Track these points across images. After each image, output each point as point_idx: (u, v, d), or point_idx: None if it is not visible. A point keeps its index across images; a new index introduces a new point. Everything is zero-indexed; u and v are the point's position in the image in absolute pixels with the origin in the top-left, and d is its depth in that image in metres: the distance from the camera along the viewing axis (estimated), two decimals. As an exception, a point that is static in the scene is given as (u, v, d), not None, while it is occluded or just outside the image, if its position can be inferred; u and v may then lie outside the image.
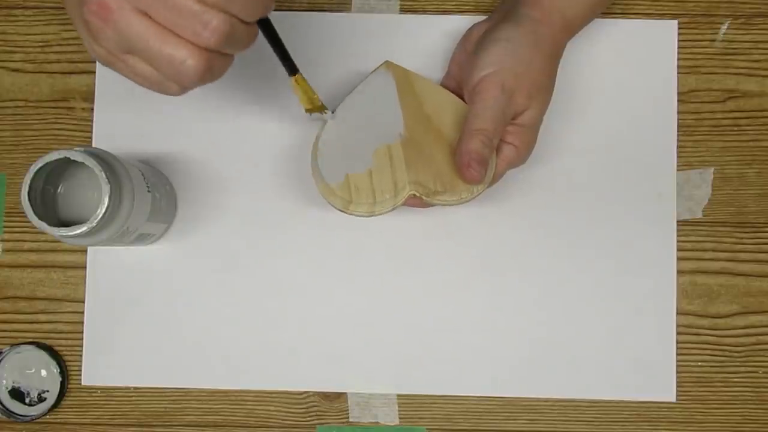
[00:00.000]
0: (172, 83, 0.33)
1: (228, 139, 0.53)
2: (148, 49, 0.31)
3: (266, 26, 0.38)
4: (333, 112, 0.47)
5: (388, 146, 0.45)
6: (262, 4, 0.32)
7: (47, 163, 0.42)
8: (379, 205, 0.44)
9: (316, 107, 0.46)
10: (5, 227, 0.53)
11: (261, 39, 0.38)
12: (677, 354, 0.51)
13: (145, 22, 0.31)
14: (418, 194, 0.44)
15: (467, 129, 0.44)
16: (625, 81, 0.53)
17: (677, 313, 0.51)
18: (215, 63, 0.33)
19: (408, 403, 0.52)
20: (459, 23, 0.52)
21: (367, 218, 0.45)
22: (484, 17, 0.50)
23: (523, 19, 0.45)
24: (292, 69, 0.43)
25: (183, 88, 0.34)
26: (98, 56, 0.33)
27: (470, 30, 0.49)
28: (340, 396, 0.52)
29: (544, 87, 0.46)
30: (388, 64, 0.49)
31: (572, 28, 0.47)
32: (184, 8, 0.30)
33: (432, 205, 0.46)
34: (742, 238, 0.52)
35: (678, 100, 0.52)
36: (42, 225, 0.41)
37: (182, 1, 0.30)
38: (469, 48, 0.48)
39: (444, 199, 0.45)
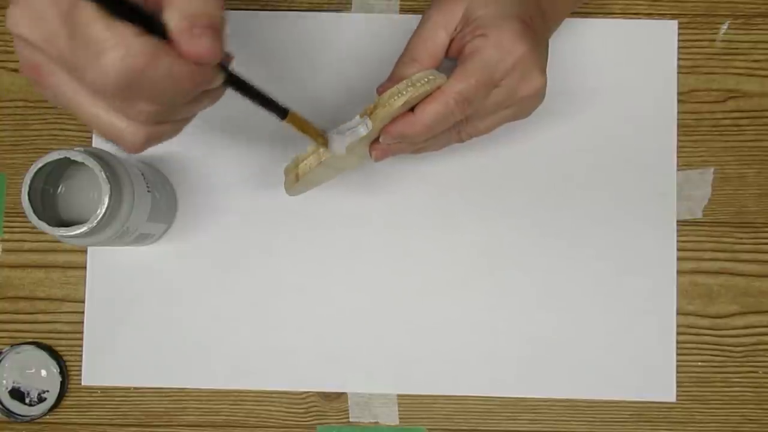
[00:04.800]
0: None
1: (228, 139, 0.53)
2: (81, 116, 0.29)
3: (234, 80, 0.33)
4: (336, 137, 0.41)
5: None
6: (183, 86, 0.28)
7: (47, 163, 0.42)
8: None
9: (321, 142, 0.41)
10: (5, 227, 0.53)
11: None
12: (677, 354, 0.51)
13: (76, 88, 0.29)
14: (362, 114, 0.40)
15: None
16: (625, 81, 0.53)
17: (677, 313, 0.51)
18: (159, 132, 0.31)
19: (408, 403, 0.52)
20: (459, 23, 0.52)
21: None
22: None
23: None
24: (280, 112, 0.36)
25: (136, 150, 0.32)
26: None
27: None
28: (340, 396, 0.52)
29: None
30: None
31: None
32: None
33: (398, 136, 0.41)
34: (741, 238, 0.52)
35: (678, 100, 0.52)
36: (42, 225, 0.41)
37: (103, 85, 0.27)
38: None
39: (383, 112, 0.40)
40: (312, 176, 0.42)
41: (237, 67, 0.32)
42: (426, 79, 0.38)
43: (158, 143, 0.32)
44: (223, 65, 0.31)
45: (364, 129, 0.40)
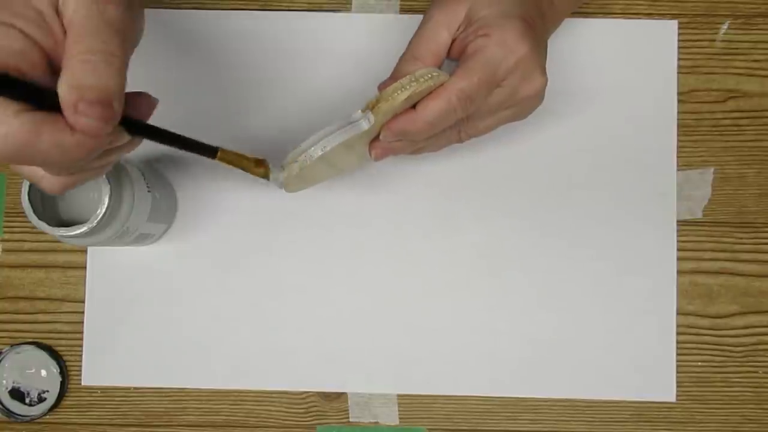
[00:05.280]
0: None
1: (228, 139, 0.53)
2: (4, 161, 0.31)
3: (147, 131, 0.33)
4: (284, 168, 0.41)
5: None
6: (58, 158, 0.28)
7: (47, 163, 0.42)
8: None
9: (259, 173, 0.40)
10: (5, 227, 0.53)
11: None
12: (677, 354, 0.51)
13: None
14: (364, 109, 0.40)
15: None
16: (625, 81, 0.53)
17: (677, 313, 0.51)
18: (76, 180, 0.32)
19: (408, 403, 0.52)
20: (459, 23, 0.52)
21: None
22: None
23: None
24: (209, 152, 0.37)
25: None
26: None
27: None
28: (340, 396, 0.52)
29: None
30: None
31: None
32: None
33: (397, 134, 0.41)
34: (741, 238, 0.52)
35: (678, 100, 0.52)
36: (42, 225, 0.41)
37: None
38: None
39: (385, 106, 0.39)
40: (310, 174, 0.42)
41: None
42: (429, 75, 0.38)
43: (81, 185, 0.33)
44: (129, 120, 0.31)
45: (366, 123, 0.39)
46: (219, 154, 0.37)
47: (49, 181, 0.32)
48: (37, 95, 0.27)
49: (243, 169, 0.39)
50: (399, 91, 0.38)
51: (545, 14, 0.43)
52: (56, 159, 0.28)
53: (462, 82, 0.39)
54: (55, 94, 0.27)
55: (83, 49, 0.28)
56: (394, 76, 0.41)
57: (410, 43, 0.42)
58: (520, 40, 0.39)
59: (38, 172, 0.31)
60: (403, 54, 0.42)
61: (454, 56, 0.41)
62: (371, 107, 0.39)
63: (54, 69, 0.29)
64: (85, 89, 0.27)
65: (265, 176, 0.40)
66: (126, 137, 0.31)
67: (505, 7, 0.40)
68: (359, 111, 0.40)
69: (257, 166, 0.40)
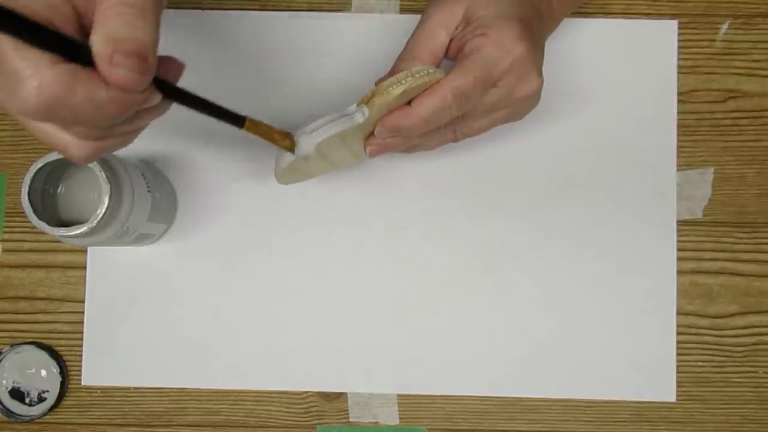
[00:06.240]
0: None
1: (228, 139, 0.53)
2: (30, 131, 0.30)
3: (177, 94, 0.32)
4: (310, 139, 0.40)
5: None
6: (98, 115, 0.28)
7: (47, 163, 0.42)
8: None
9: (285, 146, 0.40)
10: (5, 227, 0.53)
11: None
12: (677, 354, 0.51)
13: None
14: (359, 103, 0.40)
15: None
16: (625, 81, 0.53)
17: (677, 313, 0.51)
18: (105, 146, 0.31)
19: (408, 403, 0.52)
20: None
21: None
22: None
23: None
24: (237, 121, 0.36)
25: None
26: None
27: None
28: (340, 396, 0.52)
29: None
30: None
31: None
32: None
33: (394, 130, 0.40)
34: (741, 238, 0.52)
35: (678, 100, 0.52)
36: (42, 225, 0.41)
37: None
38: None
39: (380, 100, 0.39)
40: (303, 166, 0.42)
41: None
42: (425, 72, 0.38)
43: (108, 154, 0.32)
44: (161, 81, 0.30)
45: (360, 117, 0.39)
46: (247, 123, 0.37)
47: (76, 147, 0.30)
48: (70, 47, 0.27)
49: (269, 140, 0.39)
50: (394, 86, 0.38)
51: (543, 15, 0.43)
52: (89, 115, 0.28)
53: (458, 80, 0.39)
54: (89, 49, 0.27)
55: (118, 1, 0.27)
56: (392, 72, 0.41)
57: (408, 42, 0.42)
58: (517, 41, 0.39)
59: (65, 138, 0.30)
60: (401, 53, 0.42)
61: (452, 56, 0.41)
62: (366, 101, 0.39)
63: (84, 29, 0.28)
64: (121, 41, 0.27)
65: (291, 149, 0.40)
66: (157, 97, 0.30)
67: (503, 8, 0.40)
68: (354, 104, 0.40)
69: (283, 138, 0.40)
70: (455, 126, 0.43)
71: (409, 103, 0.40)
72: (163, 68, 0.31)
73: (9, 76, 0.27)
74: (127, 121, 0.31)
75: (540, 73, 0.41)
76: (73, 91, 0.27)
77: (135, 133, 0.33)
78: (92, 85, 0.27)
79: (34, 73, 0.26)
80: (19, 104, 0.27)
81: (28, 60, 0.26)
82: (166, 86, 0.31)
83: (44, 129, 0.30)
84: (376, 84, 0.41)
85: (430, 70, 0.39)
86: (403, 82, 0.38)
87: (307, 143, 0.40)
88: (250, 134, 0.38)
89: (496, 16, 0.40)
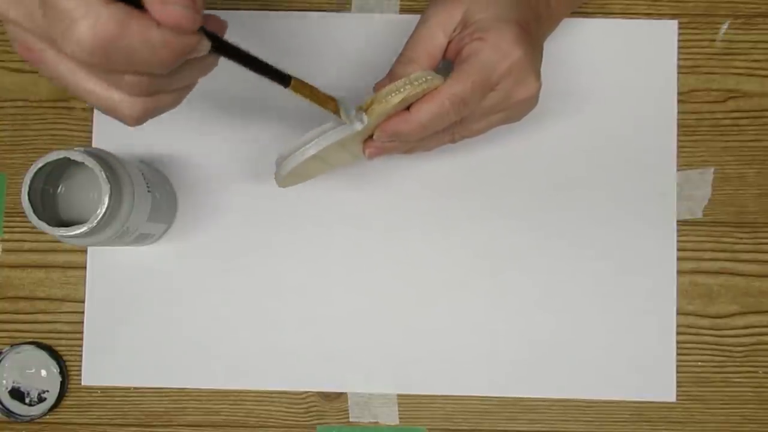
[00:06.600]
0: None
1: (228, 139, 0.53)
2: (78, 92, 0.29)
3: (225, 48, 0.32)
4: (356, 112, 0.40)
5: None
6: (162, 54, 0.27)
7: (47, 163, 0.42)
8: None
9: (331, 108, 0.39)
10: (5, 227, 0.53)
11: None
12: (677, 354, 0.51)
13: (70, 65, 0.28)
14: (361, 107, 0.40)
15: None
16: (625, 81, 0.53)
17: (677, 313, 0.51)
18: (156, 103, 0.31)
19: (408, 403, 0.52)
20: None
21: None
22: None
23: None
24: (282, 80, 0.35)
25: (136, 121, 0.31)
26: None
27: None
28: (340, 396, 0.52)
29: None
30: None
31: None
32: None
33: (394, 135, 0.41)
34: (742, 238, 0.52)
35: (678, 100, 0.52)
36: (42, 225, 0.41)
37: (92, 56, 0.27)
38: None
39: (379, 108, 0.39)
40: (303, 169, 0.43)
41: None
42: (424, 79, 0.38)
43: (158, 114, 0.31)
44: (209, 32, 0.30)
45: (359, 124, 0.40)
46: (292, 82, 0.36)
47: (129, 105, 0.30)
48: None
49: (315, 102, 0.38)
50: (393, 94, 0.38)
51: (541, 17, 0.43)
52: (144, 58, 0.27)
53: (456, 86, 0.39)
54: None
55: None
56: (391, 76, 0.41)
57: (406, 44, 0.42)
58: (515, 44, 0.39)
59: (114, 97, 0.29)
60: (400, 55, 0.42)
61: (450, 57, 0.41)
62: (365, 108, 0.39)
63: None
64: None
65: (336, 112, 0.39)
66: (206, 46, 0.30)
67: (501, 11, 0.40)
68: (353, 112, 0.40)
69: (328, 101, 0.39)
70: (453, 129, 0.43)
71: (407, 108, 0.40)
72: (208, 24, 0.31)
73: (60, 15, 0.26)
74: (177, 74, 0.30)
75: (538, 77, 0.41)
76: (128, 31, 0.26)
77: (184, 90, 0.32)
78: (145, 25, 0.27)
79: (88, 11, 0.26)
80: (72, 47, 0.26)
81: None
82: (213, 38, 0.30)
83: (92, 89, 0.29)
84: (375, 88, 0.41)
85: (429, 77, 0.39)
86: (402, 90, 0.38)
87: (307, 151, 0.40)
88: (296, 95, 0.37)
89: (494, 20, 0.40)
